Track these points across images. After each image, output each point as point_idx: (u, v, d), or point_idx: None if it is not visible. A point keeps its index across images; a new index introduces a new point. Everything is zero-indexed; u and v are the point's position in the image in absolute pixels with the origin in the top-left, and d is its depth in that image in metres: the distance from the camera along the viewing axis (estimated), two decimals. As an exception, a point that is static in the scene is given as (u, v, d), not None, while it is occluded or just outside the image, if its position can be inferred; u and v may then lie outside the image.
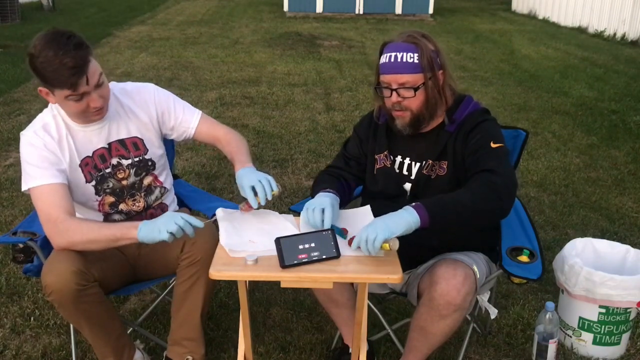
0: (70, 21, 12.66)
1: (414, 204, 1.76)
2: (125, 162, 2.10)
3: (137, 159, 2.12)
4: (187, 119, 2.19)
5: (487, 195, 1.80)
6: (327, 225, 1.81)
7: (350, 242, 1.76)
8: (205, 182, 4.17)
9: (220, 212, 1.94)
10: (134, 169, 2.12)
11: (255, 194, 1.91)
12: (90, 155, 2.03)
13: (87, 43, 1.86)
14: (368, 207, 2.01)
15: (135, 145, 2.11)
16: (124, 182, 2.11)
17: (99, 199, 2.07)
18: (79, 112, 1.92)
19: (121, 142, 2.09)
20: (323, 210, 1.84)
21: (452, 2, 18.19)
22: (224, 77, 7.51)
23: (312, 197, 2.05)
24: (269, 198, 1.90)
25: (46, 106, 2.05)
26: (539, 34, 11.93)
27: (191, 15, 14.28)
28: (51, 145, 1.95)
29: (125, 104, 2.09)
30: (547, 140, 5.28)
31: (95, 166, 2.04)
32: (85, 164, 2.02)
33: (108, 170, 2.07)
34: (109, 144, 2.07)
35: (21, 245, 2.05)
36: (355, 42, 10.59)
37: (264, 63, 8.50)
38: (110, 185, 2.08)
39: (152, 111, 2.14)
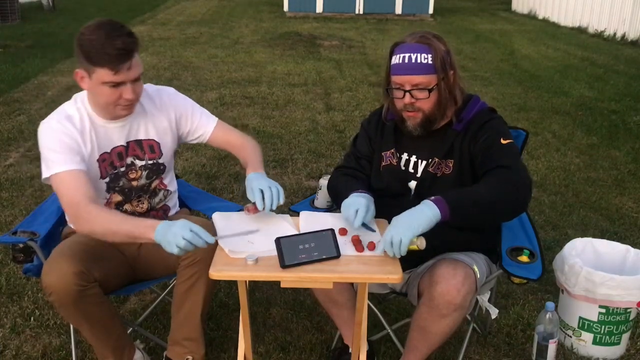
0: (70, 21, 12.66)
1: (433, 197, 1.76)
2: (139, 162, 2.10)
3: (151, 162, 2.12)
4: (204, 124, 2.20)
5: (506, 190, 1.81)
6: (356, 224, 1.83)
7: (371, 247, 1.76)
8: (205, 182, 4.17)
9: (216, 215, 1.94)
10: (147, 172, 2.12)
11: (263, 198, 1.90)
12: (109, 151, 2.03)
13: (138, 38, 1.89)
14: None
15: (151, 148, 2.11)
16: (134, 183, 2.11)
17: (108, 196, 2.08)
18: (109, 102, 1.91)
19: (138, 142, 2.09)
20: (357, 211, 1.86)
21: (452, 2, 18.19)
22: (224, 77, 7.51)
23: (337, 199, 2.06)
24: (274, 207, 1.90)
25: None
26: (539, 34, 11.93)
27: (191, 15, 14.29)
28: (74, 135, 1.94)
29: (146, 106, 2.09)
30: (547, 140, 5.28)
31: (111, 163, 2.05)
32: (102, 159, 2.02)
33: (122, 169, 2.07)
34: (128, 143, 2.07)
35: (21, 245, 2.05)
36: (355, 42, 10.59)
37: (264, 63, 8.50)
38: (121, 184, 2.08)
39: (171, 114, 2.14)
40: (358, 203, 1.89)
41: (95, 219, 1.83)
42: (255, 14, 14.56)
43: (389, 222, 1.78)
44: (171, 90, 2.18)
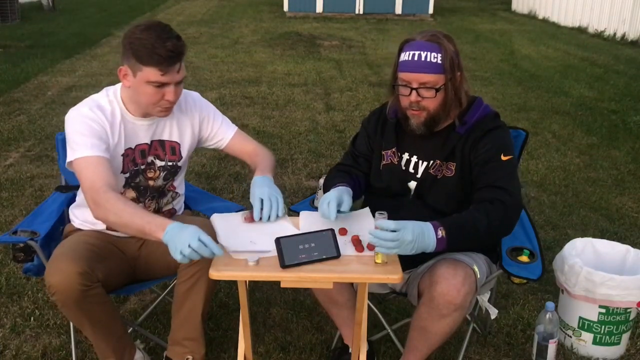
0: (70, 21, 12.66)
1: (439, 235, 1.75)
2: (158, 162, 2.11)
3: (170, 164, 2.13)
4: (223, 131, 2.22)
5: (501, 221, 1.85)
6: (332, 217, 1.84)
7: (371, 247, 1.75)
8: (205, 182, 4.17)
9: (215, 217, 1.94)
10: (165, 173, 2.13)
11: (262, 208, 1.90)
12: (133, 147, 2.05)
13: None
14: (367, 208, 2.01)
15: (173, 149, 2.13)
16: (151, 183, 2.12)
17: (123, 191, 2.08)
18: (150, 101, 1.93)
19: (161, 142, 2.10)
20: (329, 204, 1.87)
21: (452, 2, 18.19)
22: (224, 77, 7.51)
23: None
24: (272, 220, 1.90)
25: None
26: (539, 34, 11.93)
27: (191, 15, 14.29)
28: (104, 124, 1.95)
29: (173, 108, 2.09)
30: (547, 140, 5.28)
31: (133, 160, 2.06)
32: (126, 154, 2.03)
33: (142, 167, 2.09)
34: (151, 142, 2.08)
35: (21, 245, 2.05)
36: (355, 42, 10.59)
37: (264, 63, 8.50)
38: (137, 180, 2.09)
39: (195, 118, 2.16)
40: (329, 197, 1.90)
41: (112, 207, 1.82)
42: (255, 14, 14.56)
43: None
44: (196, 94, 2.21)
